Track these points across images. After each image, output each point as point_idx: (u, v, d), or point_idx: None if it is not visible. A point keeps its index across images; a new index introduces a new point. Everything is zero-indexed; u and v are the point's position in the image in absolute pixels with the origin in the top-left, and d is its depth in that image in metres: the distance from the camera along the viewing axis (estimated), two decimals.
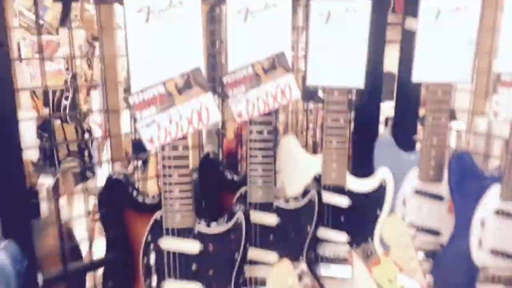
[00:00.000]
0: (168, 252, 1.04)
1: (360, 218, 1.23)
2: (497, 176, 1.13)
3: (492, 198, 1.14)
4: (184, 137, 0.99)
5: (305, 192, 1.16)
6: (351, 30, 1.16)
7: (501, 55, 1.05)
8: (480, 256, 1.16)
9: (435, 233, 1.29)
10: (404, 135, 1.42)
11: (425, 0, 1.17)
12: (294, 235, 1.15)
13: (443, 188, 1.26)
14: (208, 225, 1.06)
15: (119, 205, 1.06)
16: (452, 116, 1.52)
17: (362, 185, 1.24)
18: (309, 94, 1.78)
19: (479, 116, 1.49)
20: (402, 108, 1.48)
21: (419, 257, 1.03)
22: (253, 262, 1.16)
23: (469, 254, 1.17)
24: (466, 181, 1.17)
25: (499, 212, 1.13)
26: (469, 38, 1.15)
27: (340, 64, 1.18)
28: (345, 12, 1.15)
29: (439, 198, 1.27)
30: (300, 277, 1.02)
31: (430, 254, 1.26)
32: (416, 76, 1.20)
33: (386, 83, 1.48)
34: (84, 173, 2.17)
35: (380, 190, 1.21)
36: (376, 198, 1.22)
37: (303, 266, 1.06)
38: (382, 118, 1.60)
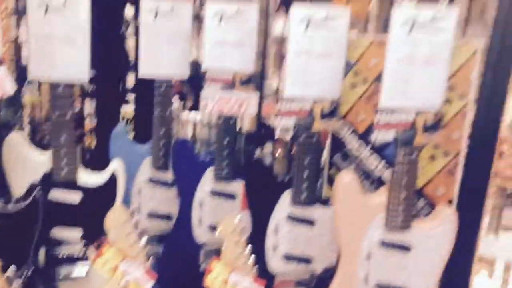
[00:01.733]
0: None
1: (94, 212, 1.27)
2: (209, 160, 1.33)
3: (206, 180, 1.33)
4: None
5: (30, 191, 1.14)
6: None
7: (206, 54, 1.23)
8: (200, 234, 1.35)
9: (168, 217, 1.43)
10: (142, 129, 1.52)
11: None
12: (17, 239, 1.12)
13: (170, 176, 1.40)
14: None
15: None
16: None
17: (94, 178, 1.28)
18: None
19: None
20: (141, 104, 1.58)
21: (142, 242, 1.13)
22: None
23: (191, 232, 1.34)
24: (185, 165, 1.33)
25: (214, 193, 1.33)
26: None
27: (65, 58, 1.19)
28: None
29: (169, 185, 1.41)
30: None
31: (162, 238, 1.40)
32: (141, 72, 1.30)
33: None
34: None
35: (112, 182, 1.28)
36: (108, 190, 1.27)
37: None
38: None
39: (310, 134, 1.15)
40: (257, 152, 1.24)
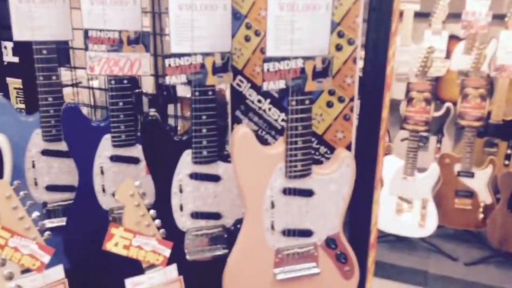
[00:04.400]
0: None
1: None
2: (104, 125, 1.26)
3: (104, 146, 1.26)
4: None
5: None
6: None
7: (84, 13, 1.14)
8: (105, 201, 1.29)
9: (68, 188, 1.35)
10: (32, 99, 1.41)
11: None
12: None
13: (64, 146, 1.31)
14: None
15: None
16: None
17: None
18: None
19: None
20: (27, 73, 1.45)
21: (34, 215, 1.07)
22: None
23: (96, 200, 1.29)
24: (78, 133, 1.25)
25: (114, 158, 1.27)
26: None
27: None
28: None
29: (65, 155, 1.33)
30: None
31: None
32: (16, 36, 1.19)
33: None
34: None
35: None
36: None
37: None
38: None
39: (204, 90, 1.12)
40: (152, 113, 1.19)
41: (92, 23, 1.13)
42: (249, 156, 1.08)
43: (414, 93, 2.70)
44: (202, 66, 1.09)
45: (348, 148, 1.21)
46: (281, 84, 1.01)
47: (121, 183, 1.08)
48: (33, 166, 1.30)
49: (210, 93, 1.12)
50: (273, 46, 0.97)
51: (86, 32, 1.14)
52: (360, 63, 1.16)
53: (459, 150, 2.60)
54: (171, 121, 1.50)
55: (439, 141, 3.07)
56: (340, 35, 1.12)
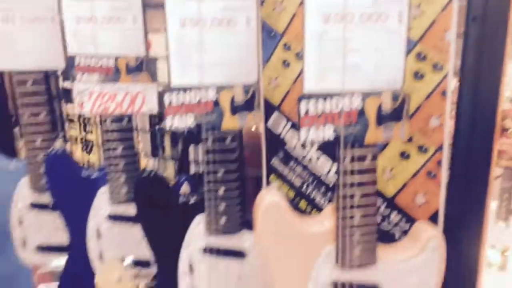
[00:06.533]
0: None
1: None
2: (100, 177, 0.98)
3: (100, 202, 0.98)
4: None
5: None
6: None
7: (69, 35, 0.88)
8: None
9: (60, 250, 1.09)
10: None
11: None
12: None
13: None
14: None
15: None
16: None
17: None
18: None
19: None
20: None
21: None
22: None
23: (92, 269, 1.01)
24: (66, 186, 0.99)
25: (113, 218, 0.99)
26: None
27: None
28: None
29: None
30: None
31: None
32: None
33: None
34: None
35: None
36: None
37: None
38: None
39: (220, 135, 0.81)
40: (149, 168, 0.90)
41: (79, 47, 0.87)
42: (280, 238, 0.74)
43: (509, 121, 2.24)
44: (216, 103, 0.78)
45: (434, 218, 0.83)
46: (328, 134, 0.67)
47: (104, 264, 0.80)
48: (21, 223, 1.06)
49: (228, 139, 0.80)
50: (315, 77, 0.64)
51: (71, 59, 0.88)
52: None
53: None
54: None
55: None
56: (421, 58, 0.76)
